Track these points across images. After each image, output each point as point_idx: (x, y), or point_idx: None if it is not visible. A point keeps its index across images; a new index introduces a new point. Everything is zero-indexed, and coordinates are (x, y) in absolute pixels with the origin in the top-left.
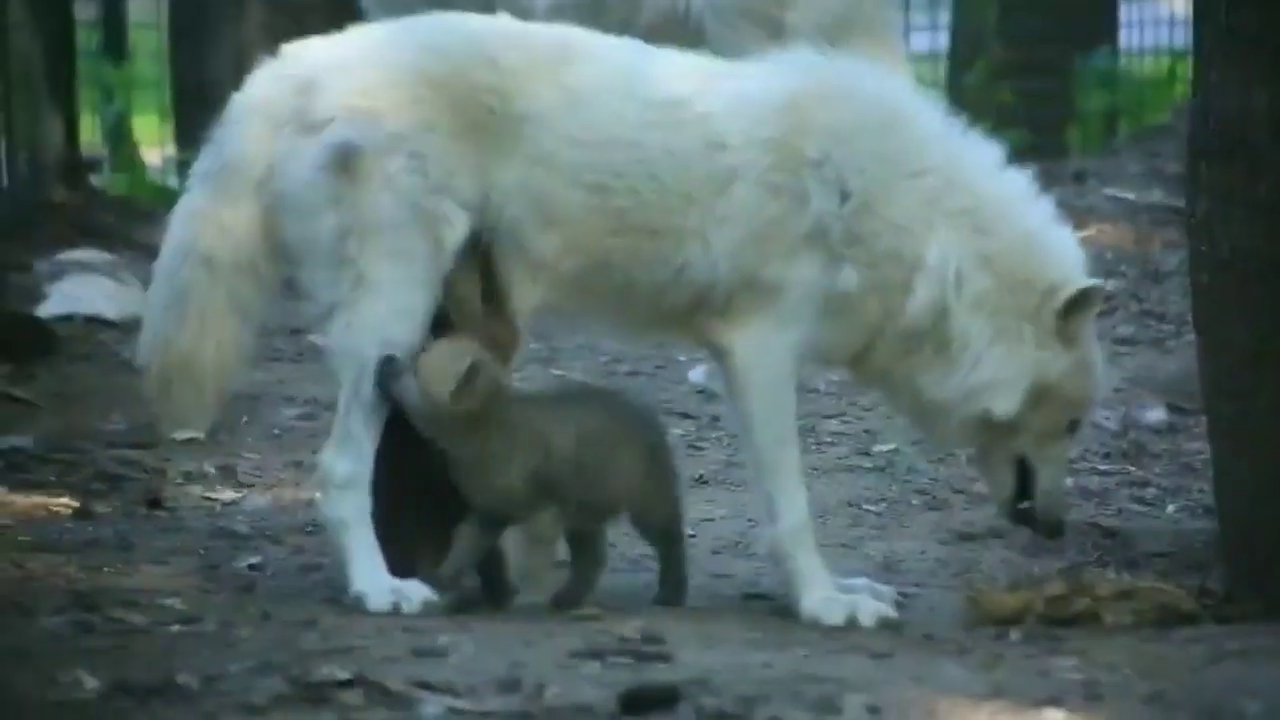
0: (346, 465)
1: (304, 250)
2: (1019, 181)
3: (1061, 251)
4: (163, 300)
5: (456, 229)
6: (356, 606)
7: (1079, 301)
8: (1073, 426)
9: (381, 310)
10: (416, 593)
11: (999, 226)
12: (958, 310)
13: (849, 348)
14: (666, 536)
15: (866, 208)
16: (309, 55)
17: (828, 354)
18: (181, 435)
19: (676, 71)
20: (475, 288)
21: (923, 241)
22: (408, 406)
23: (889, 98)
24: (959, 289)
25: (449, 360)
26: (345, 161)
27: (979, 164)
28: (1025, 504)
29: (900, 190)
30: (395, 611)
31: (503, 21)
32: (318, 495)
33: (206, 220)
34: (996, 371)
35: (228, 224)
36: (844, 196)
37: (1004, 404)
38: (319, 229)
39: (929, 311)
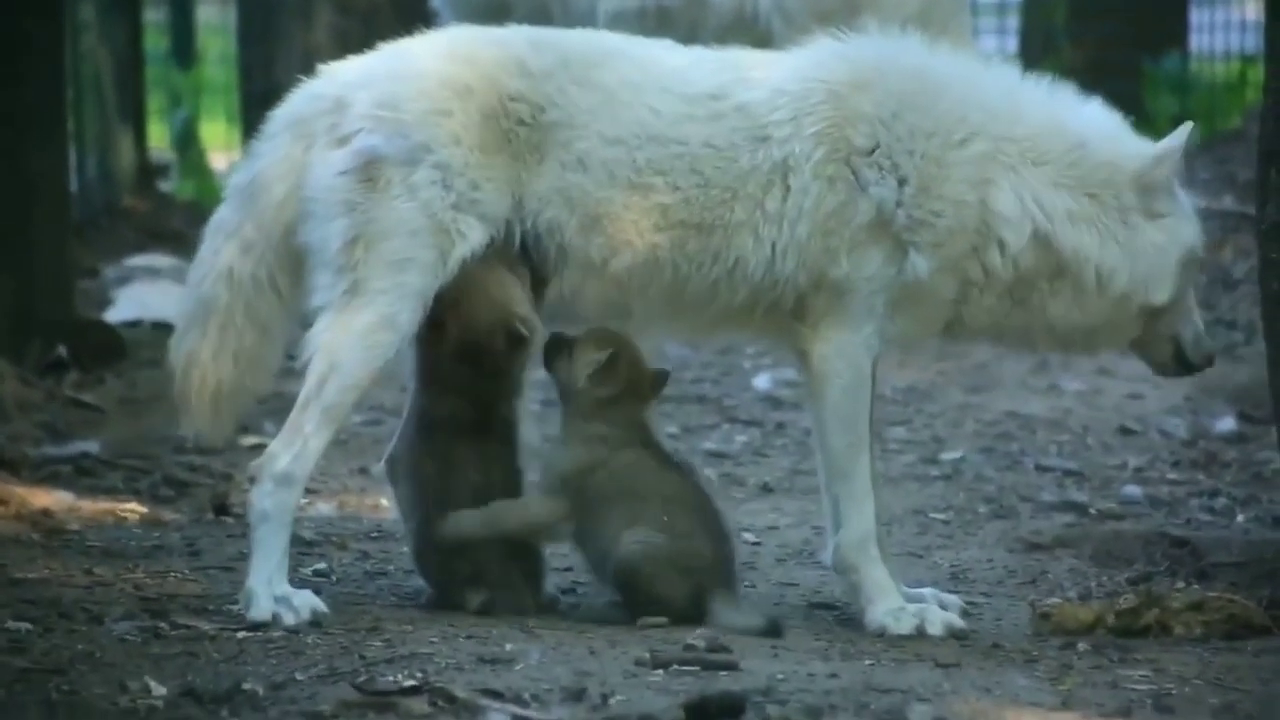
0: (286, 461)
1: (313, 253)
2: (1060, 101)
3: (1115, 141)
4: (188, 312)
5: (467, 242)
6: (246, 602)
7: (1156, 169)
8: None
9: (367, 319)
10: (304, 603)
11: (1053, 151)
12: (1060, 234)
13: (932, 328)
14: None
15: (924, 190)
16: (343, 73)
17: (911, 339)
18: (248, 441)
19: (710, 65)
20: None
21: (987, 205)
22: (559, 382)
23: (922, 71)
24: (1050, 217)
25: (595, 345)
26: (368, 169)
27: (1019, 107)
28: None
29: (952, 163)
30: (275, 621)
31: (530, 28)
32: (381, 500)
33: (231, 234)
34: (1134, 267)
35: (250, 238)
36: (901, 181)
37: (1161, 292)
38: (330, 233)
39: (1029, 252)
